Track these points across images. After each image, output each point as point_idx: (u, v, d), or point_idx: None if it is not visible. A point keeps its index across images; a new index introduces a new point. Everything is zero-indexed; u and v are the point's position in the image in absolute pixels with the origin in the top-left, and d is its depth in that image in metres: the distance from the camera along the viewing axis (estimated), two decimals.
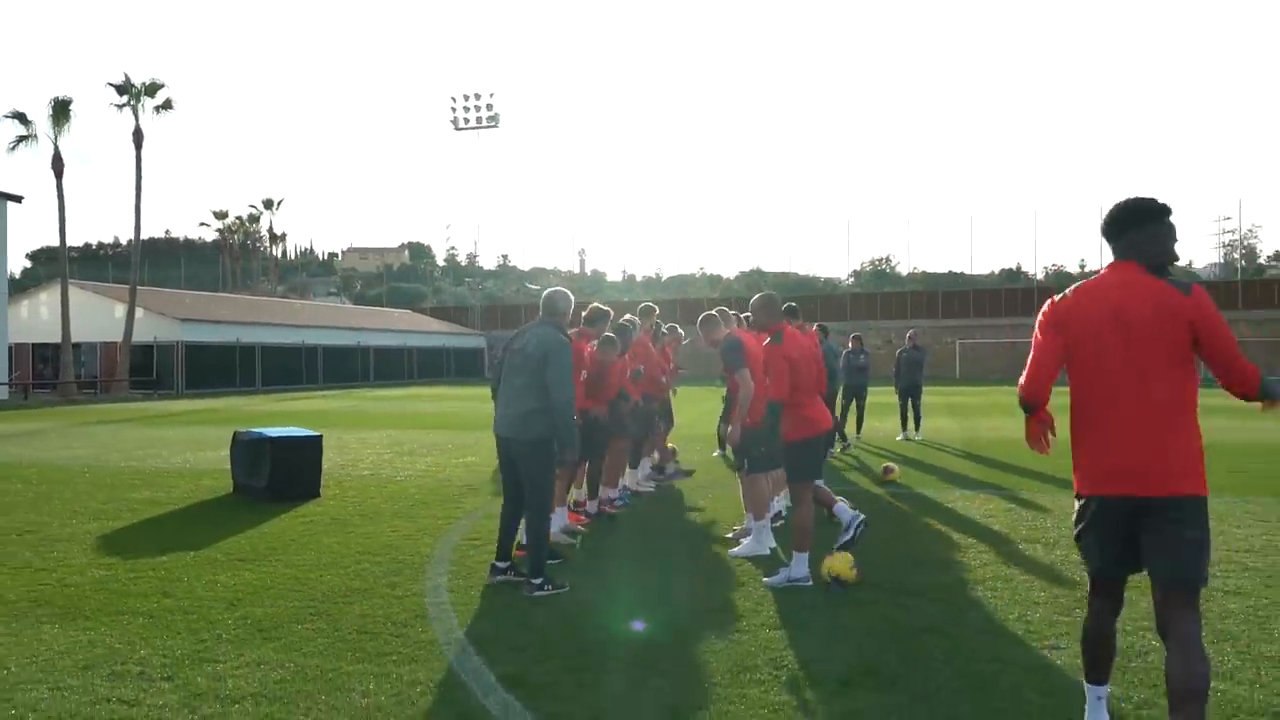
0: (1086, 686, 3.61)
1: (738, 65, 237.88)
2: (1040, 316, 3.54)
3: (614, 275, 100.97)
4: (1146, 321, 3.25)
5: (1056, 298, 3.52)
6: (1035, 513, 8.67)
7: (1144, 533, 3.27)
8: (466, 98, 69.30)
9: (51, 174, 36.31)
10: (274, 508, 9.23)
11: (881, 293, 53.41)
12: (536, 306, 6.39)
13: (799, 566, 5.98)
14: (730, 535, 7.60)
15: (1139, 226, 3.37)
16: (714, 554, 7.09)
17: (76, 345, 36.99)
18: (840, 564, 5.87)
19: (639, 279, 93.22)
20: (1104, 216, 3.47)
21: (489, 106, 68.64)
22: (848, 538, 6.33)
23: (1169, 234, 3.38)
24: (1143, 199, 3.42)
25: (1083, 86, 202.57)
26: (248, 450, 10.27)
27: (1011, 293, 55.08)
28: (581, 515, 8.38)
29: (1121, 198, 3.49)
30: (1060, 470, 10.75)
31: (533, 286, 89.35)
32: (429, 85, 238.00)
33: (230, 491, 10.34)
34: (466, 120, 68.91)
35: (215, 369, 40.01)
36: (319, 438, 10.40)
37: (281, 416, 23.75)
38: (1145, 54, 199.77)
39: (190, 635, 5.05)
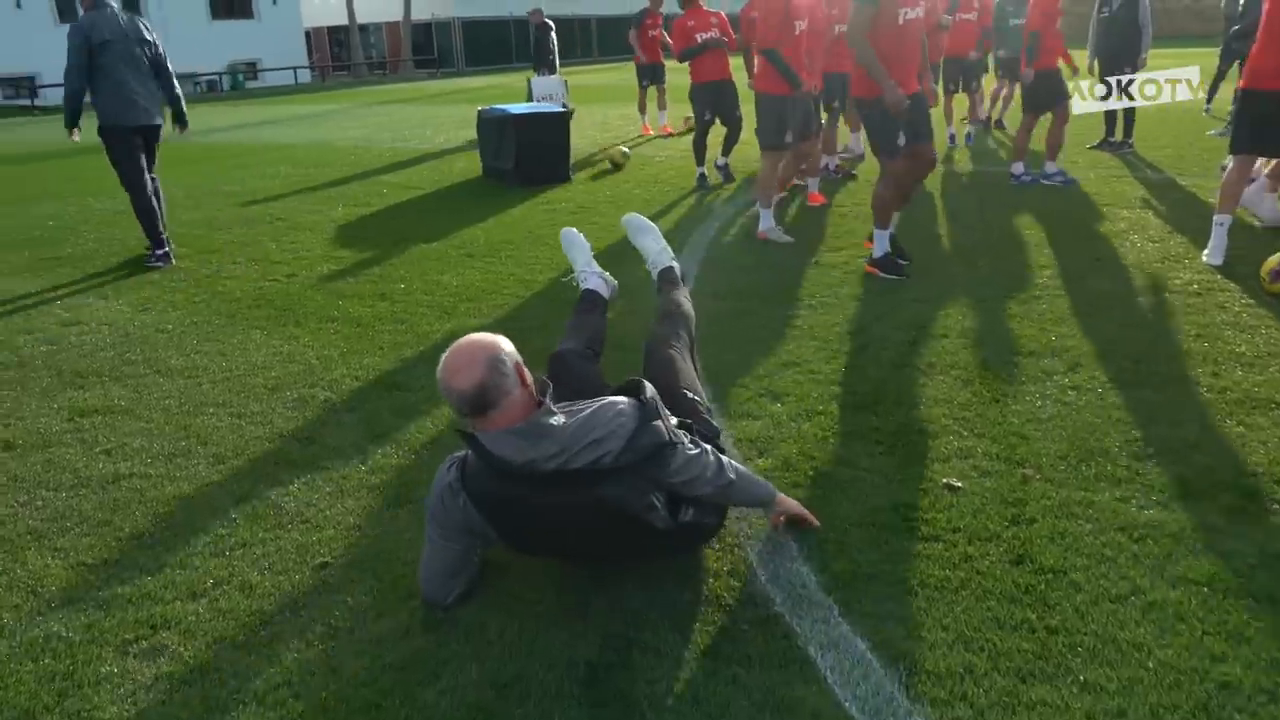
0: None
1: None
2: None
3: None
4: None
5: None
6: None
7: None
8: None
9: None
10: (520, 193, 8.50)
11: None
12: None
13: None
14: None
15: None
16: None
17: (363, 27, 37.93)
18: None
19: None
20: None
21: None
22: None
23: None
24: None
25: None
26: (492, 129, 9.46)
27: None
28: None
29: None
30: None
31: None
32: None
33: (481, 175, 9.74)
34: None
35: (493, 45, 39.85)
36: (565, 114, 9.35)
37: None
38: None
39: (392, 352, 4.38)
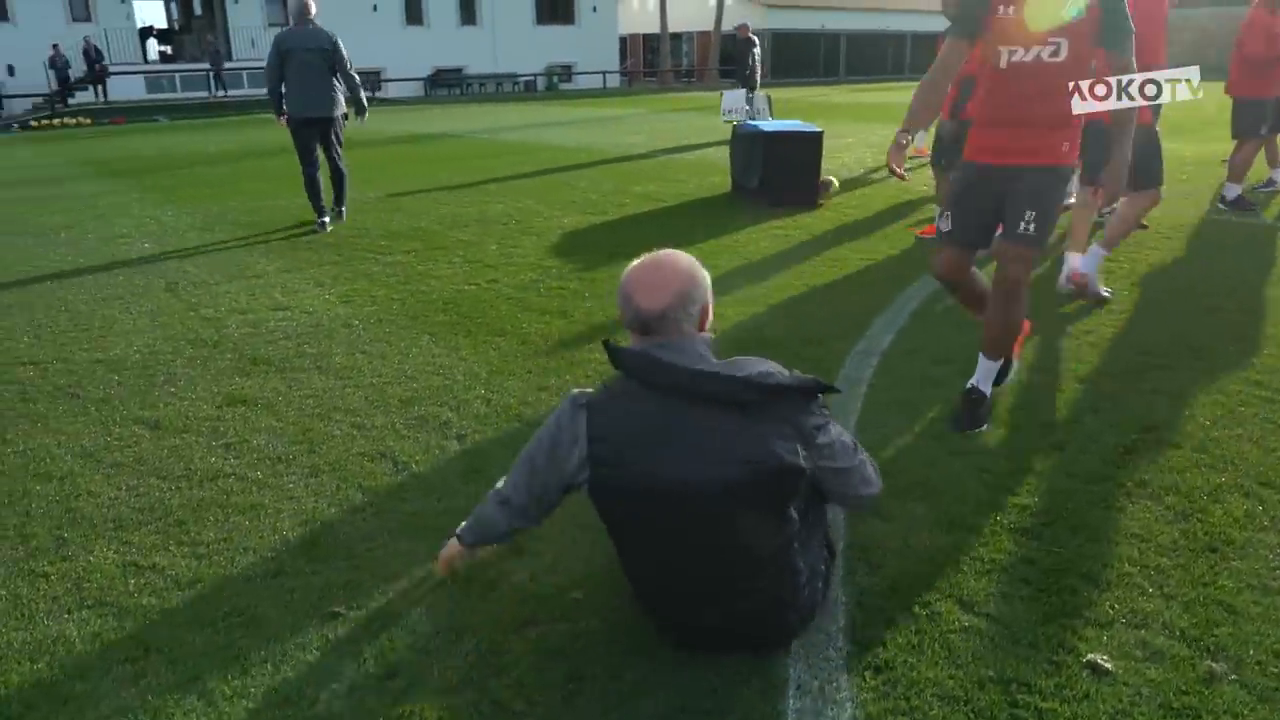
0: None
1: None
2: None
3: None
4: None
5: None
6: None
7: None
8: None
9: None
10: (759, 214, 8.11)
11: None
12: None
13: None
14: None
15: None
16: None
17: (675, 35, 38.97)
18: None
19: None
20: None
21: None
22: None
23: None
24: None
25: None
26: (744, 145, 9.14)
27: None
28: None
29: None
30: None
31: None
32: None
33: (730, 191, 9.45)
34: None
35: (798, 58, 39.50)
36: (819, 135, 8.81)
37: (849, 110, 22.39)
38: None
39: (537, 379, 4.18)
